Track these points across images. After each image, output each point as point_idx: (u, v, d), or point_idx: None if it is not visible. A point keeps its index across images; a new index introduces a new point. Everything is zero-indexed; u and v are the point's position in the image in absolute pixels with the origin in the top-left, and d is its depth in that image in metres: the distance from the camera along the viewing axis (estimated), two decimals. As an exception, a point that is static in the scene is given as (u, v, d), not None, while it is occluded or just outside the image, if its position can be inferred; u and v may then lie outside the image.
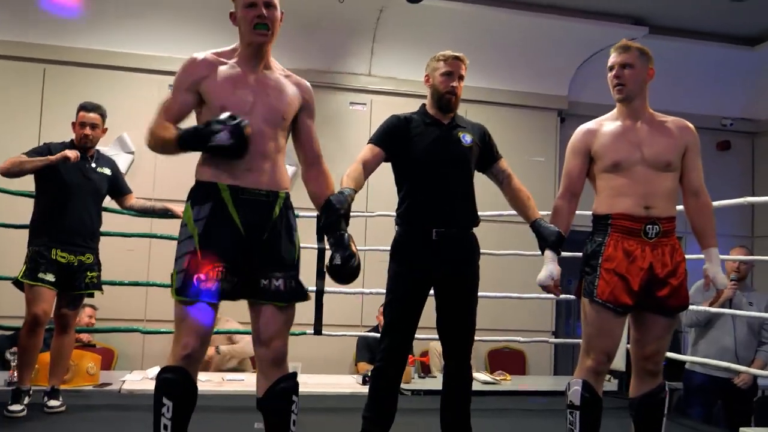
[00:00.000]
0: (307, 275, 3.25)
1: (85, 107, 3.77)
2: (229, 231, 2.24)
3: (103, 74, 5.88)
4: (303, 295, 2.37)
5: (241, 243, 2.25)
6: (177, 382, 2.16)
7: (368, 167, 2.81)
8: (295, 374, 2.37)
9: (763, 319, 4.43)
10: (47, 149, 3.71)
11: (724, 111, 7.23)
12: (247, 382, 4.50)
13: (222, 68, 2.32)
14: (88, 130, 3.73)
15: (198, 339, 2.19)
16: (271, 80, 2.37)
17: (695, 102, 6.89)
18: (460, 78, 2.88)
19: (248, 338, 5.07)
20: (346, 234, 2.37)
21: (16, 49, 5.71)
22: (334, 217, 2.37)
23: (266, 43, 2.35)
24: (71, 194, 3.65)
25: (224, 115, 2.18)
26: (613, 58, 2.71)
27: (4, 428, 3.27)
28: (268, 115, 2.31)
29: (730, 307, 4.46)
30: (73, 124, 3.78)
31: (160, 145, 2.29)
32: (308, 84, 2.50)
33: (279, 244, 2.31)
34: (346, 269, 2.32)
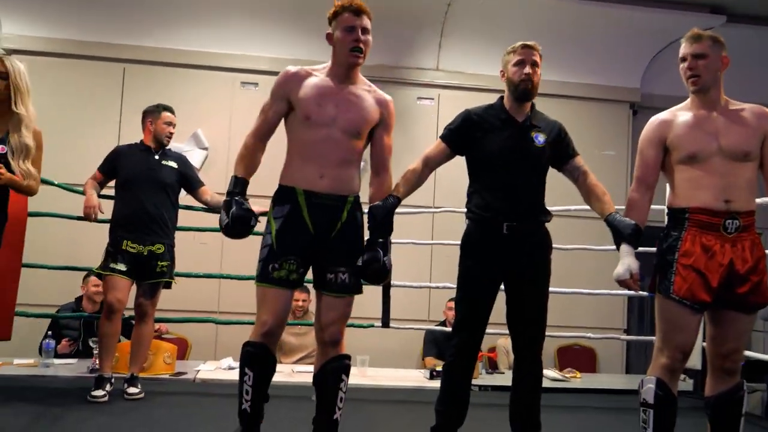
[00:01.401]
0: None
1: (167, 108, 4.03)
2: (301, 230, 2.56)
3: (180, 72, 6.07)
4: (360, 289, 2.67)
5: (311, 241, 2.56)
6: (257, 355, 2.54)
7: (431, 163, 2.90)
8: (347, 356, 2.65)
9: None
10: (116, 154, 4.01)
11: (808, 100, 6.90)
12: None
13: (311, 80, 2.61)
14: (172, 129, 4.02)
15: (274, 318, 2.53)
16: (354, 95, 2.63)
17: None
18: (534, 65, 2.84)
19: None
20: (380, 240, 2.62)
21: (97, 49, 5.95)
22: (371, 224, 2.65)
23: (359, 64, 2.62)
24: (135, 186, 3.85)
25: (234, 208, 2.55)
26: (684, 48, 2.63)
27: (87, 412, 3.41)
28: (346, 127, 2.58)
29: None
30: (149, 123, 3.99)
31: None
32: (389, 99, 2.73)
33: (345, 243, 2.60)
34: (366, 271, 2.59)
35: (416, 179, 2.86)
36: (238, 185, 2.62)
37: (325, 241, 2.58)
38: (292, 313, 5.00)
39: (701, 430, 2.69)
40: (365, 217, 2.71)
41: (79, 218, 3.96)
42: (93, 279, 4.77)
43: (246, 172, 2.65)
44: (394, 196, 2.74)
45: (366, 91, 2.68)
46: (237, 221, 2.55)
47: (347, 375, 2.63)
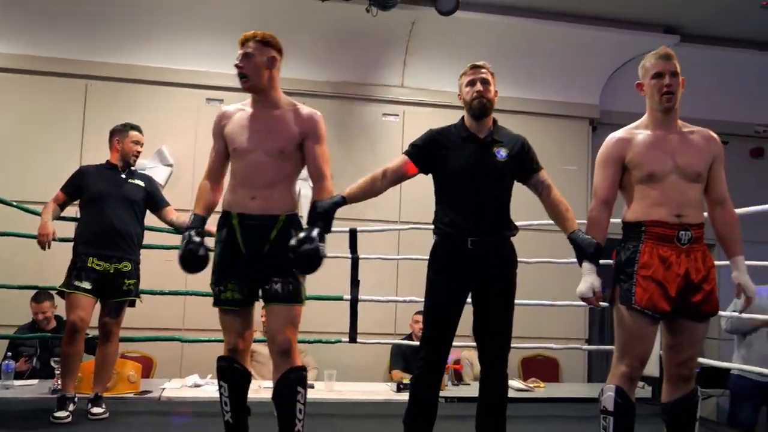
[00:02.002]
0: (336, 284, 3.34)
1: (135, 127, 4.02)
2: (235, 252, 2.75)
3: (144, 89, 6.03)
4: (299, 299, 2.75)
5: (245, 261, 2.73)
6: (226, 368, 2.77)
7: (390, 175, 2.92)
8: (302, 367, 2.73)
9: None
10: (81, 173, 3.97)
11: (758, 118, 7.13)
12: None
13: (238, 115, 2.84)
14: (140, 148, 4.03)
15: (235, 336, 2.78)
16: (275, 118, 2.80)
17: (728, 109, 6.83)
18: (484, 82, 2.92)
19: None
20: (317, 230, 2.65)
21: (58, 65, 5.87)
22: (312, 215, 2.71)
23: (251, 87, 2.80)
24: (101, 203, 3.82)
25: (188, 239, 2.73)
26: (660, 65, 2.68)
27: (50, 434, 3.37)
28: (268, 150, 2.74)
29: None
30: (116, 142, 3.97)
31: None
32: (311, 113, 2.85)
33: (276, 257, 2.70)
34: (297, 251, 2.61)
35: (370, 185, 2.88)
36: (195, 221, 2.81)
37: (258, 259, 2.72)
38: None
39: (659, 436, 2.77)
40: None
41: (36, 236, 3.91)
42: (37, 306, 4.76)
43: (202, 210, 2.85)
44: (339, 195, 2.79)
45: (288, 111, 2.82)
46: (181, 260, 2.73)
47: (303, 387, 2.69)
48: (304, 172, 2.89)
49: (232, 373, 2.77)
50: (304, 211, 6.56)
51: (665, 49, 2.74)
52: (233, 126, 2.81)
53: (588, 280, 2.68)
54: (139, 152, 4.01)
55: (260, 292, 2.77)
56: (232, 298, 2.74)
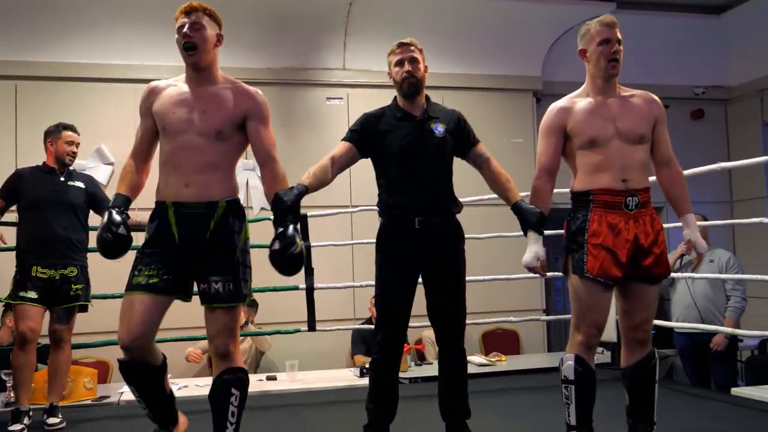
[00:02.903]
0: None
1: (68, 127, 3.88)
2: (166, 242, 2.51)
3: (77, 86, 5.82)
4: (240, 298, 2.55)
5: (178, 252, 2.51)
6: (126, 371, 2.56)
7: (337, 162, 2.85)
8: (239, 369, 2.56)
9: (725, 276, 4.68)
10: (17, 177, 3.83)
11: (696, 80, 7.30)
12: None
13: (168, 90, 2.58)
14: (75, 148, 3.87)
15: (127, 331, 2.48)
16: (211, 95, 2.56)
17: (666, 73, 6.96)
18: (413, 61, 2.90)
19: (260, 339, 5.12)
20: (291, 226, 2.49)
21: (-16, 67, 5.64)
22: (280, 210, 2.51)
23: (194, 62, 2.55)
24: (41, 209, 3.71)
25: (107, 219, 2.48)
26: (606, 32, 2.68)
27: (6, 449, 3.27)
28: (203, 131, 2.51)
29: (681, 266, 4.81)
30: (50, 144, 3.85)
31: None
32: (254, 90, 2.64)
33: (216, 251, 2.52)
34: (283, 256, 2.44)
35: (324, 175, 2.78)
36: (117, 200, 2.56)
37: (195, 252, 2.51)
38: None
39: (620, 400, 2.82)
40: (246, 224, 2.65)
41: (-21, 248, 3.77)
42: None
43: (126, 189, 2.59)
44: (300, 184, 2.65)
45: (227, 88, 2.59)
46: (100, 242, 2.48)
47: (240, 388, 2.53)
48: (252, 162, 2.79)
49: (132, 374, 2.57)
50: (254, 202, 6.50)
51: (610, 16, 2.76)
52: (163, 102, 2.55)
53: (533, 249, 2.71)
54: (74, 153, 3.86)
55: (193, 291, 2.59)
56: (147, 283, 2.45)
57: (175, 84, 2.60)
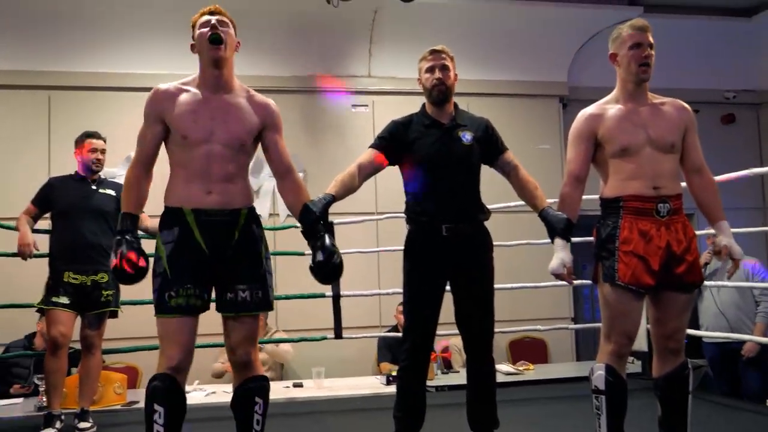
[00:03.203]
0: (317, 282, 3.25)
1: (92, 135, 3.93)
2: (194, 252, 2.40)
3: (107, 96, 5.93)
4: (268, 305, 2.51)
5: (206, 262, 2.40)
6: (165, 389, 2.30)
7: (364, 170, 2.84)
8: (263, 377, 2.51)
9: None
10: (50, 186, 3.90)
11: (726, 84, 7.20)
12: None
13: (183, 96, 2.45)
14: (100, 155, 3.91)
15: (180, 350, 2.33)
16: (230, 105, 2.48)
17: (697, 78, 6.88)
18: (444, 68, 2.90)
19: (284, 346, 5.14)
20: (326, 236, 2.49)
21: (19, 77, 5.76)
22: (310, 221, 2.50)
23: (222, 57, 2.45)
24: (73, 216, 3.77)
25: (123, 249, 2.36)
26: (638, 35, 2.65)
27: (38, 453, 3.32)
28: (227, 141, 2.44)
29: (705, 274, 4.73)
30: (78, 152, 3.91)
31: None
32: (270, 102, 2.59)
33: (242, 259, 2.46)
34: (328, 266, 2.45)
35: (351, 182, 2.77)
36: (126, 222, 2.44)
37: (222, 260, 2.42)
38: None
39: (651, 410, 2.77)
40: (264, 231, 2.61)
41: (13, 255, 3.82)
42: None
43: (135, 207, 2.47)
44: (327, 194, 2.64)
45: (244, 98, 2.53)
46: (116, 273, 2.38)
47: (263, 396, 2.48)
48: (266, 167, 2.70)
49: (174, 396, 2.32)
50: (279, 209, 6.50)
51: (641, 20, 2.72)
52: (180, 109, 2.42)
53: (559, 256, 2.68)
54: (98, 160, 3.89)
55: (219, 299, 2.47)
56: (187, 304, 2.34)
57: (186, 89, 2.48)
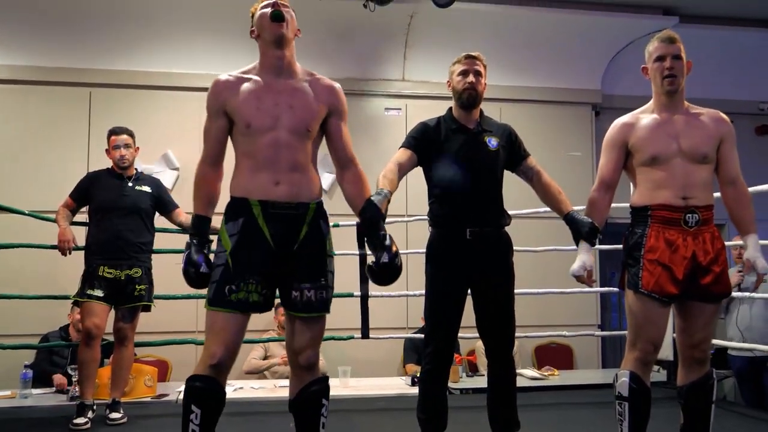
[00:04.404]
0: (346, 280, 3.26)
1: (114, 131, 3.99)
2: (260, 245, 2.28)
3: (147, 94, 6.06)
4: (328, 307, 2.41)
5: (272, 256, 2.29)
6: (205, 390, 2.22)
7: (403, 169, 2.86)
8: (326, 378, 2.44)
9: None
10: (88, 180, 3.99)
11: (762, 95, 7.11)
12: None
13: (245, 85, 2.36)
14: (123, 151, 3.94)
15: (226, 349, 2.23)
16: (296, 90, 2.38)
17: (731, 88, 6.80)
18: (477, 74, 2.93)
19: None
20: (389, 235, 2.39)
21: (62, 74, 5.90)
22: (376, 218, 2.39)
23: (285, 36, 2.37)
24: (108, 212, 3.85)
25: (188, 256, 2.31)
26: (662, 48, 2.68)
27: (70, 441, 3.40)
28: (294, 128, 2.33)
29: (739, 288, 4.69)
30: (107, 150, 4.00)
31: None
32: (336, 85, 2.49)
33: (309, 256, 2.34)
34: (393, 268, 2.36)
35: (396, 180, 2.75)
36: (197, 225, 2.36)
37: (287, 255, 2.30)
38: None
39: (675, 419, 2.78)
40: (331, 227, 2.50)
41: (52, 247, 3.92)
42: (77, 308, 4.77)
43: (204, 207, 2.37)
44: (386, 189, 2.60)
45: (307, 81, 2.43)
46: (186, 275, 2.31)
47: (327, 398, 2.42)
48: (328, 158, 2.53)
49: (213, 397, 2.24)
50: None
51: (669, 32, 2.73)
52: (243, 98, 2.32)
53: (581, 258, 2.70)
54: (122, 155, 3.92)
55: (284, 295, 2.36)
56: (247, 299, 2.24)
57: (247, 77, 2.38)
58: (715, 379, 2.71)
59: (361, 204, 2.44)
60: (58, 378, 4.53)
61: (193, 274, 2.29)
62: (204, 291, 2.33)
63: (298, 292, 2.32)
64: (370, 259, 2.40)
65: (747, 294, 4.57)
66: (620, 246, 2.85)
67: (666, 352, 4.40)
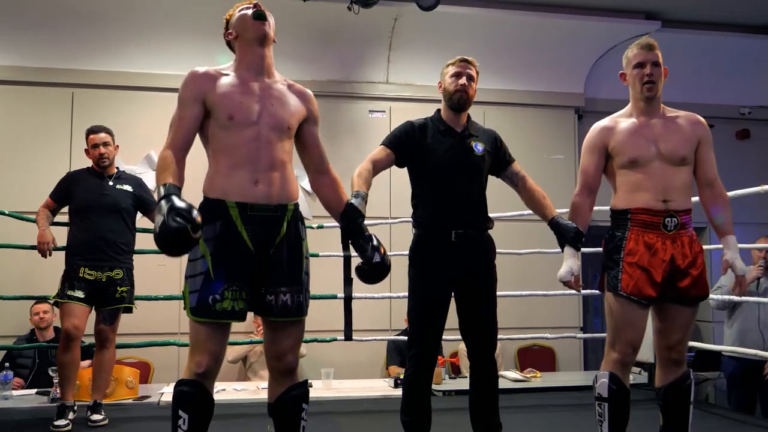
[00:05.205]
0: (329, 282, 3.25)
1: (92, 130, 3.96)
2: (239, 249, 2.23)
3: (129, 95, 6.01)
4: (306, 311, 2.39)
5: (251, 261, 2.24)
6: (192, 395, 2.20)
7: (378, 167, 2.87)
8: (306, 382, 2.43)
9: None
10: (68, 180, 3.96)
11: (742, 100, 7.20)
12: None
13: (225, 79, 2.32)
14: (102, 149, 3.91)
15: (212, 358, 2.21)
16: (274, 89, 2.38)
17: (712, 92, 6.88)
18: (470, 78, 2.95)
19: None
20: (374, 235, 2.43)
21: (43, 75, 5.85)
22: (359, 221, 2.43)
23: (267, 35, 2.37)
24: (88, 211, 3.83)
25: (169, 205, 1.98)
26: (642, 55, 2.72)
27: (51, 443, 3.38)
28: (275, 124, 2.31)
29: (757, 291, 4.58)
30: (86, 150, 3.97)
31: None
32: (310, 93, 2.51)
33: (285, 259, 2.30)
34: (385, 267, 2.42)
35: (371, 178, 2.79)
36: (171, 188, 2.07)
37: (263, 259, 2.26)
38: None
39: (655, 421, 2.81)
40: (308, 230, 2.52)
41: (32, 247, 3.90)
42: (34, 308, 4.75)
43: (175, 180, 2.13)
44: (360, 191, 2.63)
45: (284, 85, 2.43)
46: (162, 236, 1.95)
47: (307, 402, 2.41)
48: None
49: (199, 403, 2.21)
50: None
51: (647, 39, 2.78)
52: (224, 91, 2.28)
53: (568, 264, 2.73)
54: (101, 154, 3.89)
55: (258, 301, 2.30)
56: (233, 308, 2.19)
57: (226, 73, 2.35)
58: (693, 379, 2.74)
59: (340, 208, 2.47)
60: (16, 381, 4.54)
61: (180, 223, 1.93)
62: (182, 258, 2.12)
63: (273, 296, 2.28)
64: (357, 260, 2.42)
65: (755, 299, 4.55)
66: (601, 249, 2.88)
67: (647, 354, 4.43)
